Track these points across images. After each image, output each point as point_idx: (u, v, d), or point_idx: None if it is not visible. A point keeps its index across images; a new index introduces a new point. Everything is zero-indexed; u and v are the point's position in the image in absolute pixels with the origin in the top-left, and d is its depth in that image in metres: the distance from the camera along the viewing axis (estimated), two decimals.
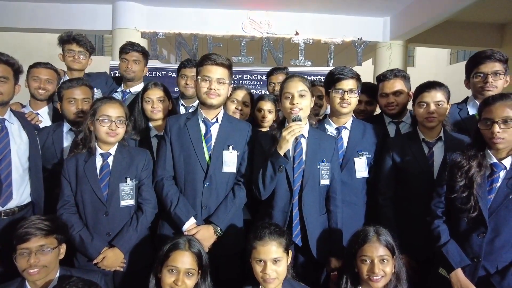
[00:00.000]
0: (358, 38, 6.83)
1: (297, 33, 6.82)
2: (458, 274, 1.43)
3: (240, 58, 6.48)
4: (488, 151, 1.43)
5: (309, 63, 6.58)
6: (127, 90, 2.48)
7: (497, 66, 1.83)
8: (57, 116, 2.30)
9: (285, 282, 1.46)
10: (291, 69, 4.43)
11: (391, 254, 1.40)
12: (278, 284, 1.40)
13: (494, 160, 1.42)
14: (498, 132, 1.36)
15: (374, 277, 1.36)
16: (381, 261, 1.37)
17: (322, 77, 3.25)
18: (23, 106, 2.34)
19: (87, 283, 1.32)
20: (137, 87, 2.47)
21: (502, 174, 1.41)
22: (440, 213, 1.53)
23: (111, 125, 1.65)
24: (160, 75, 3.87)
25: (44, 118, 2.28)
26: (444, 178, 1.52)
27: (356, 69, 6.76)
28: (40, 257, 1.40)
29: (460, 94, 2.14)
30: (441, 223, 1.52)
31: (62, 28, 6.99)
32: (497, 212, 1.38)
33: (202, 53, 6.78)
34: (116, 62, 4.10)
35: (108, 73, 3.43)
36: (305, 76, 1.83)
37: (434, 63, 14.41)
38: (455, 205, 1.46)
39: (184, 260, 1.35)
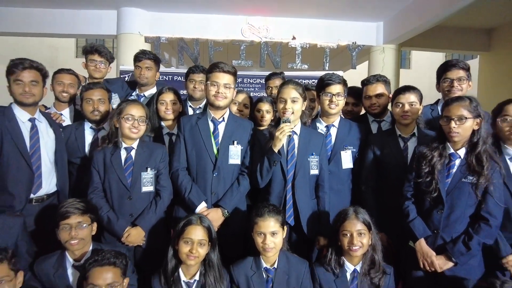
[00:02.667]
0: (353, 43, 6.94)
1: (294, 38, 6.94)
2: (422, 243, 1.73)
3: (239, 61, 6.60)
4: (448, 143, 1.74)
5: (306, 66, 6.71)
6: (141, 94, 2.75)
7: (461, 73, 2.14)
8: (77, 117, 2.59)
9: (281, 253, 1.76)
10: (288, 72, 4.69)
11: (368, 229, 1.69)
12: (275, 253, 1.70)
13: (452, 150, 1.72)
14: (454, 127, 1.66)
15: (353, 248, 1.66)
16: (359, 234, 1.66)
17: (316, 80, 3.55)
18: (46, 108, 2.62)
19: (116, 253, 1.61)
20: (150, 91, 2.75)
21: (457, 162, 1.71)
22: (409, 195, 1.83)
23: (134, 123, 1.93)
24: (167, 79, 4.13)
25: (66, 118, 2.55)
26: (413, 167, 1.82)
27: (351, 72, 7.02)
28: (78, 231, 1.69)
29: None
30: (410, 203, 1.82)
31: (69, 33, 7.30)
32: (452, 193, 1.68)
33: (204, 57, 7.02)
34: (126, 67, 4.40)
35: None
36: (299, 81, 2.12)
37: (430, 65, 14.40)
38: (420, 188, 1.76)
39: (197, 233, 1.64)
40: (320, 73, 3.91)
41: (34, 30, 7.02)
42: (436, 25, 6.22)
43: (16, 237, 1.72)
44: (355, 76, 4.87)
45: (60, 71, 2.57)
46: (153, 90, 2.77)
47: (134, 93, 2.82)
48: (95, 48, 2.72)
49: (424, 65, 14.76)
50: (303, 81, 3.68)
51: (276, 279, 1.69)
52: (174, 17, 7.02)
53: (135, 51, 2.92)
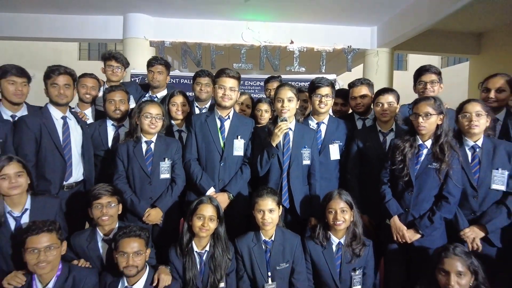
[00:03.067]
0: (348, 46, 7.20)
1: (292, 42, 7.14)
2: (395, 220, 2.06)
3: (240, 64, 6.83)
4: (417, 136, 2.07)
5: (303, 69, 6.94)
6: (154, 96, 3.08)
7: (433, 77, 2.47)
8: (98, 115, 2.93)
9: (277, 228, 2.09)
10: (286, 74, 4.99)
11: (350, 207, 2.02)
12: (272, 227, 2.03)
13: (420, 142, 2.06)
14: (421, 122, 1.99)
15: (337, 223, 1.99)
16: (341, 211, 1.99)
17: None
18: (71, 108, 2.96)
19: (140, 227, 1.94)
20: (162, 93, 3.07)
21: (425, 151, 2.04)
22: (386, 180, 2.16)
23: (152, 119, 2.26)
24: (175, 81, 4.45)
25: (89, 116, 2.90)
26: (388, 156, 2.15)
27: (347, 74, 7.29)
28: (109, 210, 2.02)
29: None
30: (386, 187, 2.15)
31: (77, 37, 7.59)
32: (420, 177, 2.02)
33: (206, 60, 7.30)
34: (136, 71, 4.73)
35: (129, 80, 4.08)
36: (296, 83, 2.44)
37: None
38: (394, 174, 2.09)
39: (207, 210, 1.96)
40: (315, 76, 4.28)
41: (44, 35, 7.28)
42: (427, 29, 6.39)
43: (55, 214, 2.03)
44: (351, 79, 5.13)
45: (84, 75, 2.90)
46: (164, 92, 3.10)
47: (147, 95, 3.15)
48: (112, 55, 3.06)
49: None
50: (299, 84, 3.98)
51: (273, 250, 2.03)
52: (178, 22, 7.22)
53: (140, 54, 3.26)
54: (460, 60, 13.78)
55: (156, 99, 3.04)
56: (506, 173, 1.98)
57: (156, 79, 3.06)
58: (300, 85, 3.47)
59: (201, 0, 6.28)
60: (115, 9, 6.86)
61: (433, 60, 15.02)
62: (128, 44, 7.16)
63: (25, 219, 1.92)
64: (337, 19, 7.19)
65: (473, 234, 1.99)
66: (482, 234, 1.99)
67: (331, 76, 4.51)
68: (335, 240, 2.05)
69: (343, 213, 1.99)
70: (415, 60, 15.32)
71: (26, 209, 1.94)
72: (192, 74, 3.08)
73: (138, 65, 5.35)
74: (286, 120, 2.21)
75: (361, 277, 2.00)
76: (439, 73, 2.48)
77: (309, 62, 7.42)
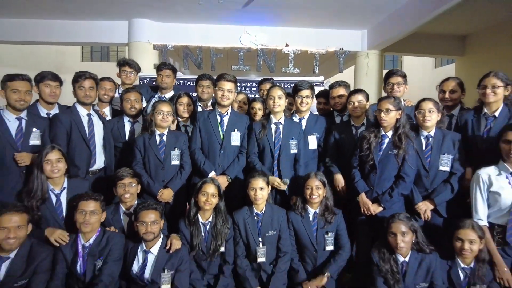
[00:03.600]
0: (340, 49, 7.57)
1: (287, 45, 7.54)
2: (362, 196, 2.52)
3: (238, 66, 7.22)
4: (380, 128, 2.53)
5: (298, 70, 7.29)
6: (163, 96, 3.52)
7: (399, 79, 2.94)
8: (114, 113, 3.38)
9: (267, 203, 2.55)
10: (281, 76, 5.38)
11: (323, 185, 2.49)
12: (262, 202, 2.49)
13: (383, 133, 2.52)
14: (383, 116, 2.46)
15: (313, 197, 2.46)
16: (316, 188, 2.46)
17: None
18: (93, 107, 3.41)
19: (156, 202, 2.41)
20: (170, 94, 3.53)
21: (386, 140, 2.51)
22: (356, 165, 2.62)
23: (164, 116, 2.73)
24: (179, 83, 4.89)
25: (107, 114, 3.36)
26: (357, 145, 2.62)
27: (339, 75, 7.65)
28: (130, 189, 2.49)
29: None
30: (356, 170, 2.61)
31: (86, 41, 8.04)
32: (382, 161, 2.48)
33: (206, 62, 7.72)
34: (143, 74, 5.16)
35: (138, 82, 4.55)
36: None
37: (421, 67, 15.13)
38: (362, 159, 2.56)
39: (210, 188, 2.42)
40: (311, 78, 4.73)
41: (54, 39, 7.75)
42: (414, 32, 6.73)
43: None
44: (343, 79, 5.34)
45: (102, 79, 3.34)
46: (171, 93, 3.56)
47: (156, 95, 3.61)
48: (126, 62, 3.53)
49: (414, 67, 15.29)
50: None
51: (263, 220, 2.50)
52: (180, 27, 7.65)
53: (145, 57, 3.67)
54: (453, 61, 14.08)
55: (164, 99, 3.51)
56: (451, 157, 2.45)
57: (165, 82, 3.51)
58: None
59: (202, 7, 6.65)
60: (120, 15, 7.28)
61: (427, 60, 15.33)
62: (133, 47, 7.55)
63: (63, 196, 2.39)
64: (329, 23, 7.61)
65: (424, 207, 2.46)
66: (431, 207, 2.46)
67: (320, 78, 4.96)
68: (311, 211, 2.53)
69: (317, 190, 2.46)
70: (410, 61, 15.48)
71: (64, 188, 2.41)
72: (195, 77, 3.53)
73: (143, 68, 5.73)
74: (286, 183, 2.69)
75: (333, 238, 2.48)
76: (404, 76, 2.95)
77: (303, 64, 7.80)
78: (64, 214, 2.37)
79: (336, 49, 7.63)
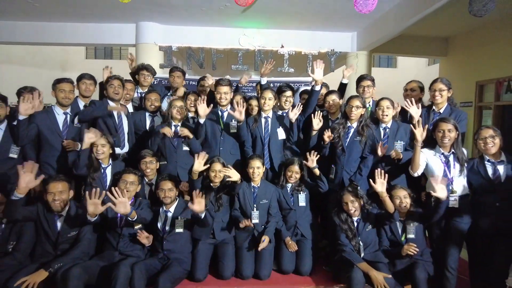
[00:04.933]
0: (331, 50, 7.73)
1: (282, 46, 7.81)
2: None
3: (237, 66, 7.52)
4: (348, 120, 3.21)
5: (292, 70, 7.60)
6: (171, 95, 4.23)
7: (369, 82, 3.58)
8: (134, 109, 4.05)
9: (262, 180, 3.25)
10: (276, 76, 5.84)
11: (301, 169, 3.17)
12: (258, 178, 3.18)
13: (349, 124, 3.21)
14: (353, 111, 3.13)
15: (291, 179, 3.16)
16: (296, 172, 3.15)
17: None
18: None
19: (172, 175, 3.09)
20: (180, 92, 4.23)
21: (352, 130, 3.19)
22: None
23: (177, 109, 3.41)
24: (185, 83, 5.55)
25: (130, 110, 4.02)
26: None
27: (330, 75, 8.14)
28: (150, 165, 3.18)
29: None
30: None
31: (96, 42, 8.53)
32: (349, 146, 3.16)
33: (208, 62, 8.30)
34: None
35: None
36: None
37: (415, 65, 15.53)
38: (333, 145, 3.24)
39: (218, 165, 3.10)
40: (305, 78, 5.32)
41: (66, 41, 8.26)
42: (401, 34, 7.13)
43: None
44: (334, 78, 5.78)
45: (127, 81, 4.00)
46: (181, 91, 4.24)
47: (168, 93, 4.29)
48: (145, 67, 4.18)
49: (409, 65, 15.77)
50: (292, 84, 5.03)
51: (258, 192, 3.20)
52: (183, 29, 8.14)
53: (152, 58, 4.23)
54: (434, 62, 14.10)
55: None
56: (403, 143, 3.13)
57: (176, 82, 4.22)
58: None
59: (204, 11, 7.13)
60: (128, 18, 7.77)
61: (421, 59, 15.51)
62: (140, 48, 8.04)
63: (109, 170, 3.10)
64: (321, 26, 8.08)
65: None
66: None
67: (309, 79, 5.55)
68: (289, 185, 3.25)
69: (296, 174, 3.17)
70: (404, 59, 15.79)
71: (110, 164, 3.12)
72: (197, 77, 4.15)
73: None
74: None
75: (304, 198, 3.18)
76: (372, 80, 3.61)
77: (297, 64, 8.14)
78: (108, 184, 3.04)
79: (327, 50, 7.85)
